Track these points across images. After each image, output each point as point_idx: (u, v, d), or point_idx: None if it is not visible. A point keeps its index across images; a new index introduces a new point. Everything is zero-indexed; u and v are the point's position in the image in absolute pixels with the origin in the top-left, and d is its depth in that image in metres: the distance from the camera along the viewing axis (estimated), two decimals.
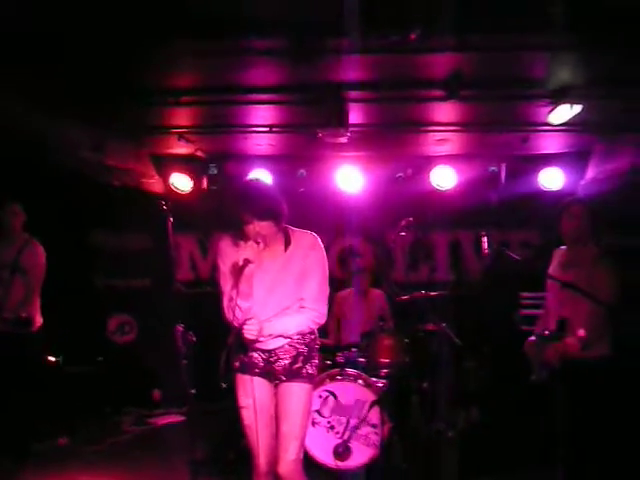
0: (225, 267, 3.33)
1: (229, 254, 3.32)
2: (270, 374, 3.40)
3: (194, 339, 4.61)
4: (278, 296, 3.34)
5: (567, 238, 4.09)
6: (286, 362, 3.37)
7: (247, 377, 3.38)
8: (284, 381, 3.38)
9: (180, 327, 3.90)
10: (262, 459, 3.33)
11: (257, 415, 3.32)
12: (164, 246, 7.38)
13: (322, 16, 3.43)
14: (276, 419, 3.37)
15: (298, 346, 3.40)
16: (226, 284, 3.29)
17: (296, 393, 3.36)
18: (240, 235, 3.24)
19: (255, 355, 3.40)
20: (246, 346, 3.35)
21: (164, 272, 7.34)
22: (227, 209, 3.29)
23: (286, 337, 3.36)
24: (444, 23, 3.42)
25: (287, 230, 3.39)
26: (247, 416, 3.36)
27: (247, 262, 3.16)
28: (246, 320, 3.22)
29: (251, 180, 4.04)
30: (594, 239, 4.04)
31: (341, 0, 3.33)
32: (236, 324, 3.21)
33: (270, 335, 3.31)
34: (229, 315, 3.24)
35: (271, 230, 3.23)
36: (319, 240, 3.45)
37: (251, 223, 3.16)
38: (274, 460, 3.31)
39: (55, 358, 6.57)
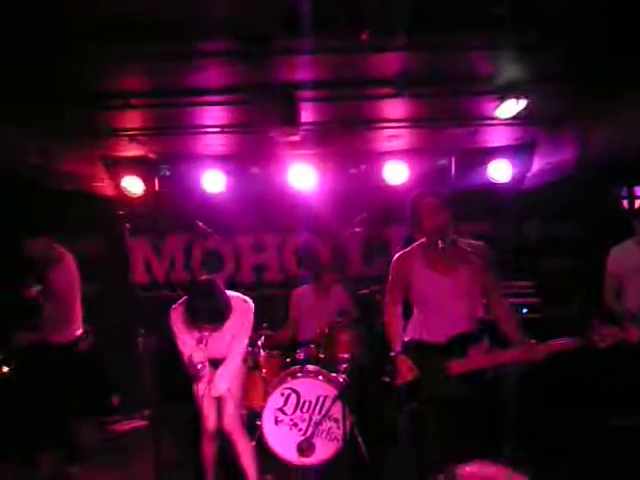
0: None
1: None
2: None
3: (154, 343, 4.64)
4: None
5: None
6: None
7: None
8: None
9: (141, 331, 3.94)
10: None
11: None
12: (118, 250, 7.34)
13: (271, 18, 3.45)
14: None
15: None
16: None
17: None
18: None
19: None
20: None
21: (119, 276, 7.28)
22: None
23: None
24: (393, 23, 3.48)
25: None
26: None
27: None
28: None
29: None
30: None
31: (291, 2, 3.38)
32: None
33: None
34: None
35: None
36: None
37: None
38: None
39: (7, 368, 6.44)
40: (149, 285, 7.67)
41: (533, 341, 3.43)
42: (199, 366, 4.12)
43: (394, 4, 3.32)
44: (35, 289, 5.28)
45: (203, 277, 4.30)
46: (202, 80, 4.69)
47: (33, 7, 3.54)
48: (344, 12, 3.29)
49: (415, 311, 3.74)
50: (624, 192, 7.23)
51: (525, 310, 5.99)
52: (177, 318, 4.24)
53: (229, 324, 4.19)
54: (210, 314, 4.02)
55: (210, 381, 4.27)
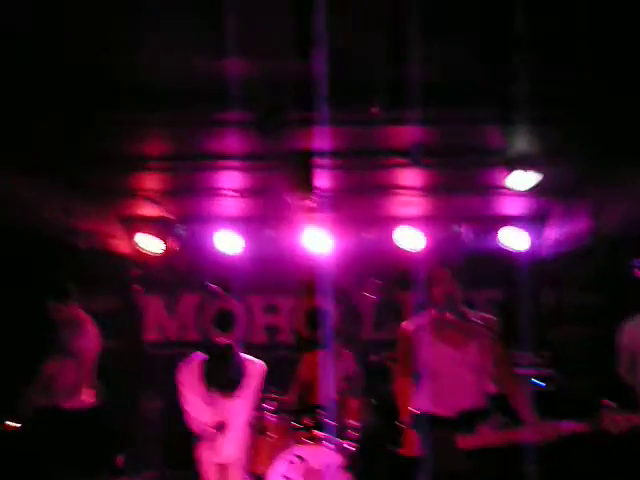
0: None
1: None
2: None
3: (161, 403, 4.62)
4: None
5: None
6: None
7: None
8: None
9: (148, 391, 3.95)
10: None
11: None
12: (132, 308, 7.38)
13: (288, 92, 3.57)
14: None
15: None
16: None
17: None
18: None
19: None
20: None
21: (132, 334, 7.30)
22: None
23: None
24: (406, 98, 3.58)
25: None
26: None
27: None
28: None
29: None
30: None
31: (307, 76, 3.50)
32: None
33: None
34: None
35: None
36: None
37: None
38: None
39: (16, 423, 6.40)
40: (161, 343, 7.68)
41: (544, 421, 3.38)
42: (205, 428, 4.08)
43: (406, 80, 3.42)
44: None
45: (222, 339, 4.25)
46: (220, 146, 4.82)
47: (58, 73, 3.70)
48: (356, 87, 3.39)
49: (424, 382, 3.71)
50: (638, 262, 7.19)
51: (543, 384, 5.89)
52: (187, 376, 4.20)
53: (240, 389, 4.18)
54: (225, 381, 4.02)
55: (214, 447, 4.20)
